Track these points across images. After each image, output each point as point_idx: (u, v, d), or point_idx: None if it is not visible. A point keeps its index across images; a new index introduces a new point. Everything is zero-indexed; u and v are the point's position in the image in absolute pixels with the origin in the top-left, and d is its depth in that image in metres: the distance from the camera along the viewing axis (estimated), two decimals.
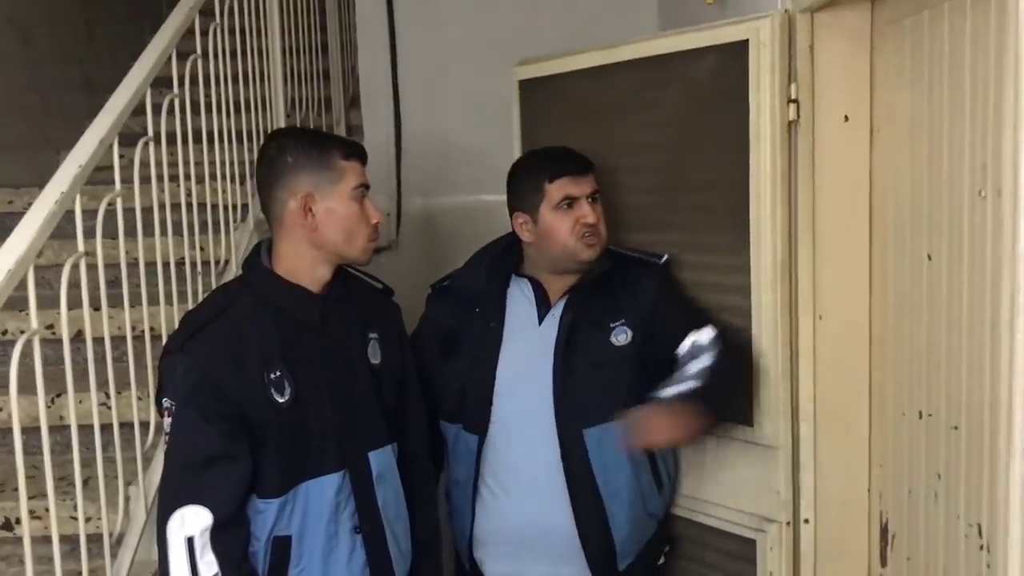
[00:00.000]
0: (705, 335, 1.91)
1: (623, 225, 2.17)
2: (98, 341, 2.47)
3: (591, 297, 1.98)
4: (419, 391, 1.94)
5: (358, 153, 1.73)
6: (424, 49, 3.57)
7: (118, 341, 2.42)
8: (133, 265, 2.23)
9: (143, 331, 2.33)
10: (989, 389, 1.43)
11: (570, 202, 1.94)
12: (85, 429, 2.32)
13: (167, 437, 1.65)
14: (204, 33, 2.58)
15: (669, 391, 1.84)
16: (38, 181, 1.89)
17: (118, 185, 2.07)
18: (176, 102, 2.35)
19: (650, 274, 2.02)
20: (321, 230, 1.68)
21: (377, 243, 1.76)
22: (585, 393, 1.94)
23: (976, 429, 1.48)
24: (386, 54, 3.60)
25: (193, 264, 2.47)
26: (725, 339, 1.92)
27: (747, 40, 1.90)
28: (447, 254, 3.49)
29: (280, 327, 1.68)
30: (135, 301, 2.28)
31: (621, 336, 1.96)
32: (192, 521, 1.56)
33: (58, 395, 2.38)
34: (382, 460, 1.77)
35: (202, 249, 2.63)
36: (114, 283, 2.27)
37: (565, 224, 1.93)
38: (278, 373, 1.65)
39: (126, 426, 2.18)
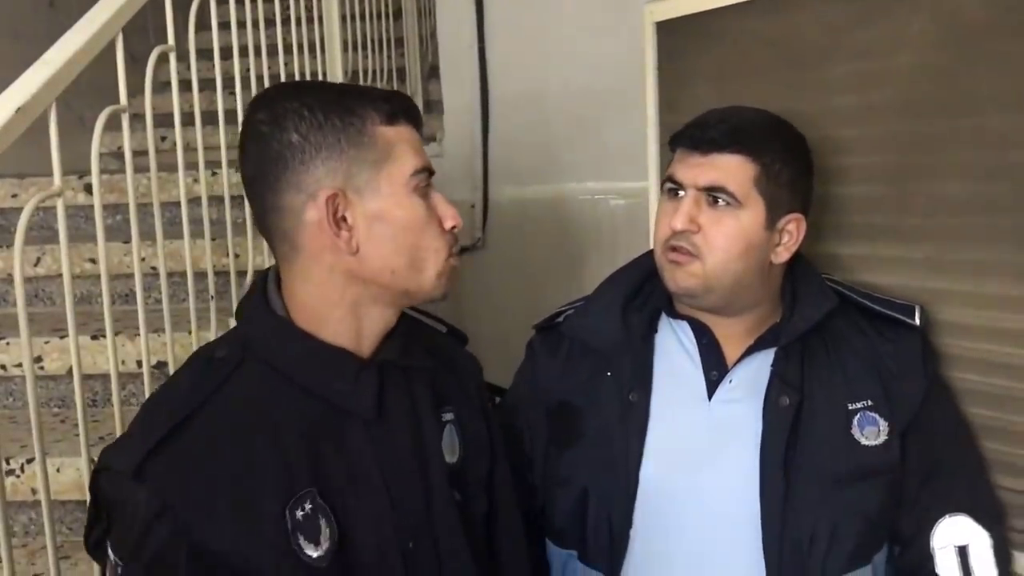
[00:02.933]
0: (979, 546, 1.23)
1: (828, 231, 1.44)
2: (94, 378, 2.07)
3: (808, 356, 1.25)
4: (512, 493, 1.25)
5: (406, 111, 1.03)
6: (518, 2, 2.94)
7: (125, 379, 1.93)
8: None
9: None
10: None
11: (674, 188, 1.26)
12: (68, 505, 1.84)
13: None
14: None
15: None
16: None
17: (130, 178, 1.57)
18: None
19: (907, 346, 1.28)
20: (364, 252, 1.00)
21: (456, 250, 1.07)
22: (814, 526, 1.21)
23: None
24: (470, 12, 3.03)
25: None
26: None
27: None
28: (547, 259, 2.93)
29: (309, 422, 1.00)
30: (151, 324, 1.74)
31: (869, 429, 1.22)
32: None
33: (28, 460, 1.84)
34: None
35: (237, 256, 2.10)
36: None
37: (659, 221, 1.27)
38: (309, 507, 0.97)
39: None
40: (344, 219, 0.99)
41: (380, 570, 1.02)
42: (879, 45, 1.37)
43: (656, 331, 1.32)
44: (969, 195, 1.30)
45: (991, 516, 1.26)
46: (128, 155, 1.54)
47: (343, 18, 2.73)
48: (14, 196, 2.62)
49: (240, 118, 2.04)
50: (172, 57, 1.68)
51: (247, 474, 0.95)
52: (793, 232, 1.26)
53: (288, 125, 0.98)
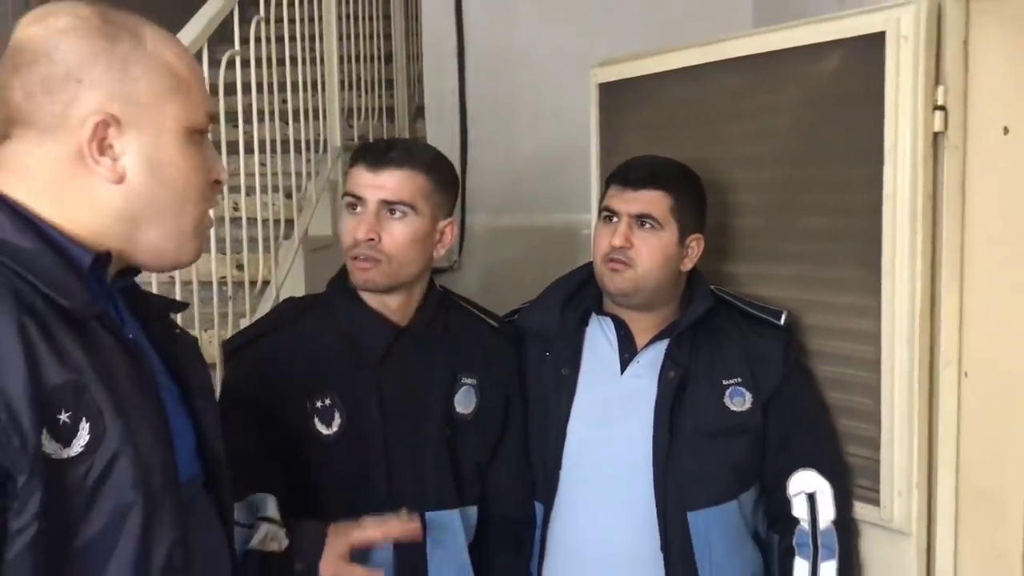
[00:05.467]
0: (823, 494, 1.62)
1: (724, 253, 1.84)
2: None
3: (695, 344, 1.64)
4: (520, 448, 1.65)
5: None
6: (494, 55, 3.37)
7: None
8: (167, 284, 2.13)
9: None
10: None
11: (609, 215, 1.63)
12: None
13: None
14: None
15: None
16: None
17: None
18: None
19: (772, 340, 1.66)
20: None
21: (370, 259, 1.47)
22: (691, 469, 1.59)
23: None
24: (453, 60, 3.40)
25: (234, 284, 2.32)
26: (845, 516, 1.65)
27: (883, 33, 1.55)
28: (516, 279, 3.26)
29: (340, 356, 1.50)
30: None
31: (738, 399, 1.61)
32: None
33: None
34: (443, 524, 1.50)
35: (240, 268, 2.45)
36: None
37: (598, 240, 1.64)
38: (327, 402, 1.47)
39: None
40: None
41: (372, 454, 1.46)
42: (759, 109, 1.78)
43: (587, 324, 1.71)
44: (825, 227, 1.70)
45: (833, 471, 1.64)
46: None
47: (341, 59, 3.08)
48: None
49: (241, 147, 2.41)
50: None
51: (287, 375, 1.48)
52: (695, 247, 1.65)
53: None
